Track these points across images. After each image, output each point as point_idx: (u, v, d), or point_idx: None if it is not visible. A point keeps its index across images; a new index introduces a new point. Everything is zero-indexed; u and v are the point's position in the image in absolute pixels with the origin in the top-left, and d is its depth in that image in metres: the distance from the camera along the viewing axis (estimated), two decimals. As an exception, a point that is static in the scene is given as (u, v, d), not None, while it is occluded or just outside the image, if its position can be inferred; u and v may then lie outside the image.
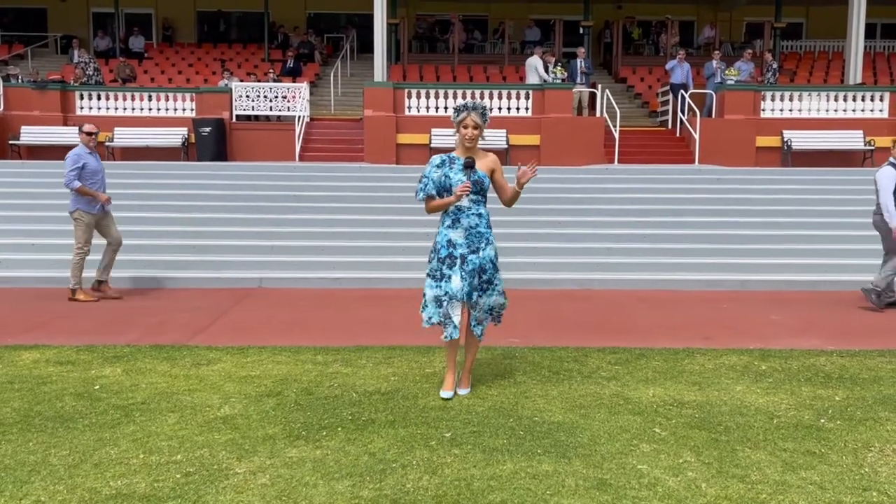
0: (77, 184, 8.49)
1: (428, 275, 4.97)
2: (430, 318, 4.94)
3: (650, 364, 5.82)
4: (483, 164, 4.94)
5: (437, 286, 4.89)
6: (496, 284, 4.99)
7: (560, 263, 10.19)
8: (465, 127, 4.85)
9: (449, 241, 4.89)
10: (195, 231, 11.08)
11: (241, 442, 4.14)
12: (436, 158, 4.99)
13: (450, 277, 4.86)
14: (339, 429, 4.35)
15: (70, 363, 5.76)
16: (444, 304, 4.84)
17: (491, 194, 5.04)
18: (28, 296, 8.85)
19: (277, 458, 3.93)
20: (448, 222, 4.92)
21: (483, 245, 4.90)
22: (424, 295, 4.96)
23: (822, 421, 4.53)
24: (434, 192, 4.89)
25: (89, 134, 8.72)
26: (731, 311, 8.21)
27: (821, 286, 9.59)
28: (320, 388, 5.16)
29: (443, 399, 4.89)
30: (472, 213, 4.89)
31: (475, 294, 4.88)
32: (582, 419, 4.53)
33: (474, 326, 5.00)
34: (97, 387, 5.16)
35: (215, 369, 5.62)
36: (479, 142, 4.99)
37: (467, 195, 4.80)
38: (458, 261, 4.86)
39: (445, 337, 4.89)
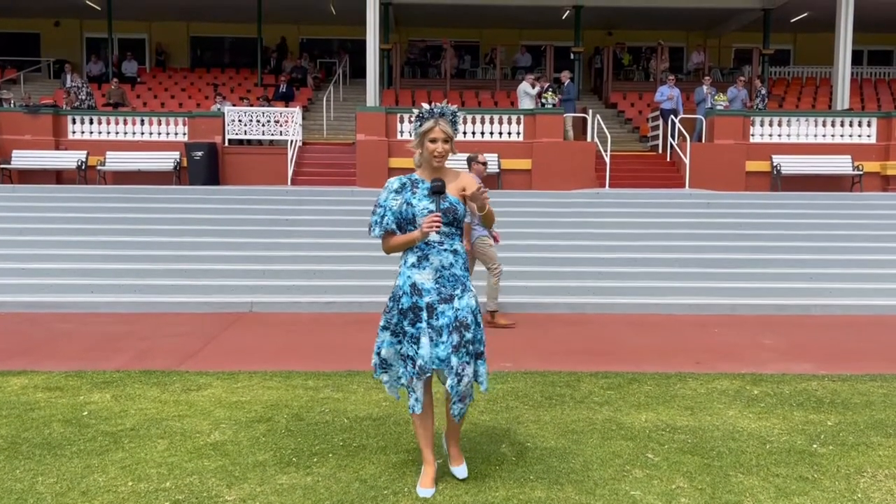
0: (468, 218, 8.37)
1: (383, 327, 3.89)
2: (398, 377, 3.95)
3: (642, 389, 5.81)
4: (453, 187, 3.83)
5: (399, 342, 3.85)
6: (477, 345, 3.81)
7: (552, 287, 10.20)
8: (434, 140, 3.75)
9: (413, 285, 3.77)
10: (186, 255, 11.06)
11: (231, 469, 4.10)
12: (393, 181, 3.89)
13: (414, 338, 3.76)
14: (331, 455, 4.32)
15: (58, 389, 5.71)
16: (410, 367, 3.78)
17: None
18: (16, 320, 8.79)
19: (268, 485, 3.89)
20: (412, 260, 3.80)
21: (459, 291, 3.77)
22: (377, 351, 3.91)
23: (815, 446, 4.52)
24: (394, 226, 3.78)
25: (484, 164, 8.78)
26: (723, 336, 8.21)
27: (812, 310, 9.61)
28: (311, 413, 5.12)
29: (422, 498, 3.72)
30: (446, 250, 3.78)
31: (458, 360, 3.69)
32: (574, 445, 4.50)
33: (454, 404, 3.79)
34: (86, 413, 5.11)
35: (205, 395, 5.57)
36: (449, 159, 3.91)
37: (437, 229, 3.69)
38: (425, 313, 3.74)
39: (411, 408, 3.84)
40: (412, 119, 3.84)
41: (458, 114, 3.84)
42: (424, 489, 3.77)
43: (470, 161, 8.81)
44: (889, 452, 4.42)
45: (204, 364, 6.64)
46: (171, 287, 10.02)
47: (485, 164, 8.83)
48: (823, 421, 5.03)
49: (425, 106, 3.77)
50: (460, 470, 3.91)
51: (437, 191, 3.72)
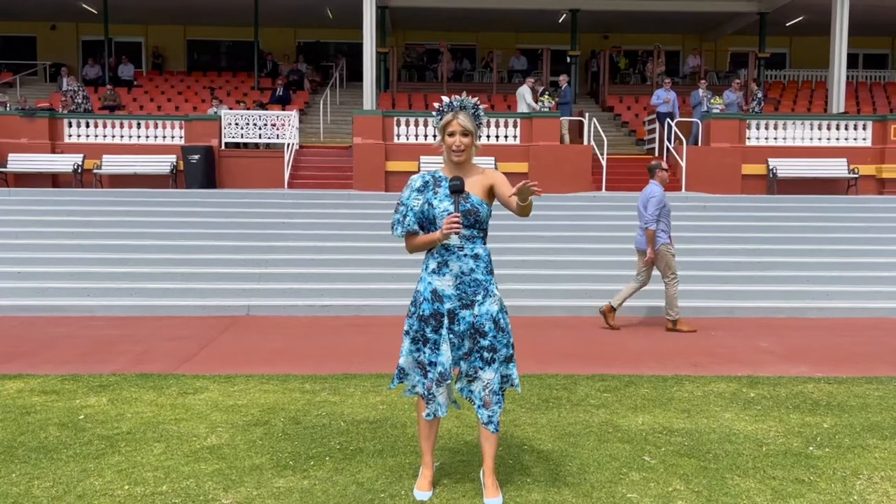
0: (654, 226, 8.46)
1: (406, 332, 3.76)
2: (413, 386, 3.79)
3: (639, 391, 5.82)
4: (477, 186, 3.65)
5: (417, 350, 3.72)
6: (500, 351, 3.66)
7: (548, 290, 10.21)
8: (452, 134, 3.62)
9: (433, 291, 3.66)
10: (182, 258, 11.05)
11: (227, 472, 4.09)
12: (416, 179, 3.75)
13: (436, 344, 3.65)
14: (327, 458, 4.31)
15: (55, 393, 5.69)
16: (430, 374, 3.68)
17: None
18: (12, 324, 8.77)
19: (264, 488, 3.88)
20: (433, 266, 3.68)
21: (480, 297, 3.65)
22: (400, 358, 3.79)
23: (811, 448, 4.53)
24: (416, 227, 3.64)
25: (667, 171, 8.87)
26: (719, 339, 8.23)
27: (808, 313, 9.64)
28: (308, 416, 5.12)
29: (419, 501, 3.69)
30: (466, 255, 3.63)
31: (468, 365, 3.66)
32: (571, 447, 4.50)
33: (478, 409, 3.68)
34: (82, 416, 5.10)
35: (202, 398, 5.57)
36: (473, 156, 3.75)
37: (457, 232, 3.53)
38: (446, 319, 3.64)
39: (428, 415, 3.72)
40: (435, 111, 3.72)
41: (480, 107, 3.69)
42: (421, 492, 3.73)
43: (653, 169, 8.85)
44: (885, 455, 4.43)
45: (200, 367, 6.63)
46: (168, 290, 10.02)
47: (668, 170, 8.91)
48: (819, 423, 5.04)
49: (445, 99, 3.67)
50: (494, 502, 3.62)
51: (455, 190, 3.53)
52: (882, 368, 6.78)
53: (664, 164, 8.92)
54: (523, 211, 3.53)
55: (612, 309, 8.76)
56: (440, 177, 3.71)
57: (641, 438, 4.68)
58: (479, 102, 3.72)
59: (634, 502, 3.72)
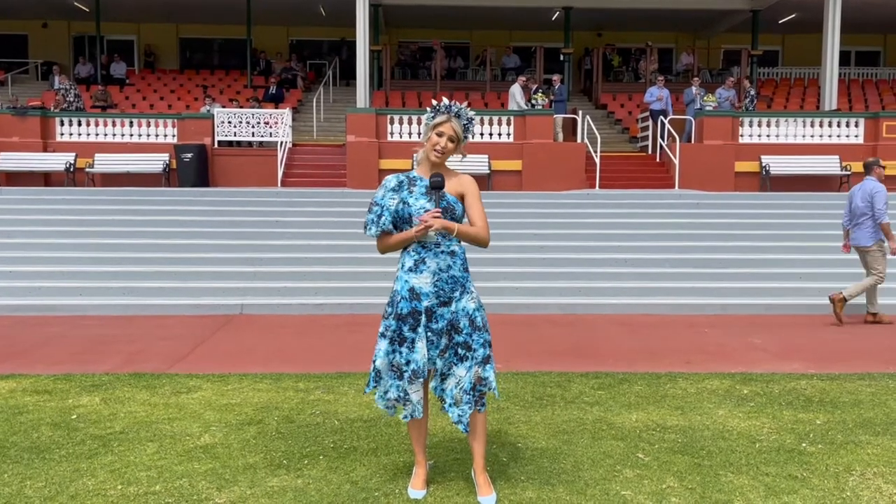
0: (886, 218, 8.63)
1: (381, 334, 3.72)
2: (385, 392, 3.75)
3: (633, 389, 5.83)
4: (451, 188, 3.71)
5: (394, 351, 3.69)
6: (476, 350, 3.65)
7: (542, 288, 10.22)
8: (440, 135, 3.68)
9: (411, 289, 3.65)
10: (175, 257, 11.02)
11: (221, 471, 4.09)
12: (390, 179, 3.76)
13: (413, 343, 3.64)
14: (321, 457, 4.31)
15: (47, 392, 5.67)
16: (406, 375, 3.67)
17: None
18: (4, 324, 8.73)
19: (258, 487, 3.87)
20: (409, 264, 3.67)
21: (458, 294, 3.66)
22: (374, 361, 3.73)
23: (804, 445, 4.54)
24: (390, 226, 3.66)
25: (883, 167, 8.95)
26: (713, 336, 8.24)
27: (801, 310, 9.66)
28: (302, 415, 5.11)
29: (413, 499, 3.69)
30: (443, 251, 3.65)
31: (443, 362, 3.67)
32: (565, 445, 4.51)
33: (448, 408, 3.70)
34: (74, 416, 5.08)
35: (195, 397, 5.55)
36: (453, 162, 3.87)
37: (436, 228, 3.56)
38: (424, 317, 3.64)
39: (405, 417, 3.75)
40: (430, 109, 3.78)
41: (473, 120, 3.78)
42: (415, 491, 3.74)
43: (871, 165, 8.93)
44: (877, 451, 4.44)
45: (194, 367, 6.61)
46: (161, 290, 9.99)
47: (884, 167, 9.03)
48: (812, 420, 5.05)
49: (445, 101, 3.75)
50: (487, 500, 3.63)
51: (436, 186, 3.59)
52: (874, 365, 6.80)
53: (882, 161, 9.04)
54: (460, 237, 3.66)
55: (844, 300, 8.88)
56: (415, 177, 3.74)
57: (635, 436, 4.69)
58: (473, 117, 3.78)
59: (628, 499, 3.72)
